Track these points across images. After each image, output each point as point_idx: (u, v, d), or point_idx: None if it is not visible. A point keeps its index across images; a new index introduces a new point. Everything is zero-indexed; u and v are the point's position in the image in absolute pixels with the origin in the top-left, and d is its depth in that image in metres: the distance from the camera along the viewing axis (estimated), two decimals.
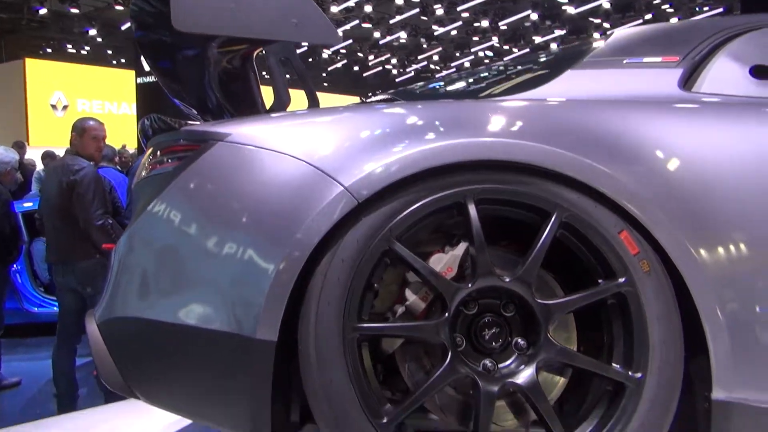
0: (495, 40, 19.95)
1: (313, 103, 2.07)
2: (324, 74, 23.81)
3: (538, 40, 19.52)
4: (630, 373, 1.42)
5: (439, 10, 17.28)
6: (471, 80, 2.44)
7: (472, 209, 1.46)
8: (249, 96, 2.10)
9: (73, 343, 4.14)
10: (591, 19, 17.88)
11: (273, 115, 1.83)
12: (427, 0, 16.43)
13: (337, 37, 1.96)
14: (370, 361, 1.52)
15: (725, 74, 1.75)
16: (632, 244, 1.45)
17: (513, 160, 1.47)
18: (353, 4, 16.88)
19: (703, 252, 1.44)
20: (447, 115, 1.60)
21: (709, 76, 1.74)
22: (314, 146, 1.53)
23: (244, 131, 1.61)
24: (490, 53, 21.35)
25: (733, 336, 1.41)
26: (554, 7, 16.87)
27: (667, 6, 16.68)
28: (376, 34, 18.89)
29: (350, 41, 20.21)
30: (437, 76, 23.44)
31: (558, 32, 18.89)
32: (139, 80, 11.39)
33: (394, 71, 23.63)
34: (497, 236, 1.64)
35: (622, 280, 1.44)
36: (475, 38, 19.83)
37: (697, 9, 16.64)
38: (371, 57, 21.79)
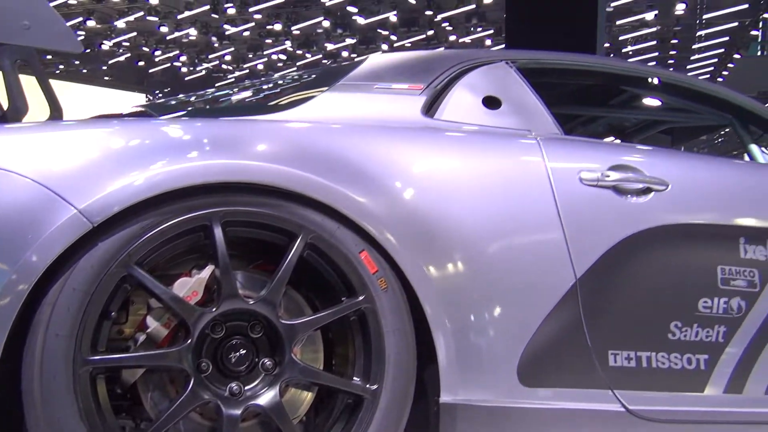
0: (288, 44, 19.98)
1: (56, 113, 1.90)
2: (105, 67, 22.00)
3: (330, 47, 19.93)
4: (367, 385, 1.51)
5: (231, 10, 16.90)
6: (232, 95, 2.42)
7: (218, 232, 1.45)
8: None
9: None
10: (380, 30, 18.70)
11: (1, 125, 1.66)
12: None
13: (77, 45, 1.82)
14: (106, 394, 1.43)
15: (462, 103, 1.93)
16: (371, 263, 1.55)
17: (258, 182, 1.49)
18: None
19: (433, 269, 1.58)
20: (196, 134, 1.57)
21: (449, 105, 1.91)
22: (46, 163, 1.43)
23: None
24: (283, 57, 21.34)
25: (456, 344, 1.56)
26: (345, 16, 17.36)
27: (446, 24, 18.00)
28: (164, 29, 17.90)
29: (134, 33, 18.93)
30: (229, 76, 22.83)
31: (349, 41, 19.46)
32: None
33: (184, 69, 22.56)
34: (252, 257, 1.65)
35: (361, 297, 1.53)
36: (269, 41, 19.69)
37: (471, 29, 18.15)
38: (158, 52, 20.56)
